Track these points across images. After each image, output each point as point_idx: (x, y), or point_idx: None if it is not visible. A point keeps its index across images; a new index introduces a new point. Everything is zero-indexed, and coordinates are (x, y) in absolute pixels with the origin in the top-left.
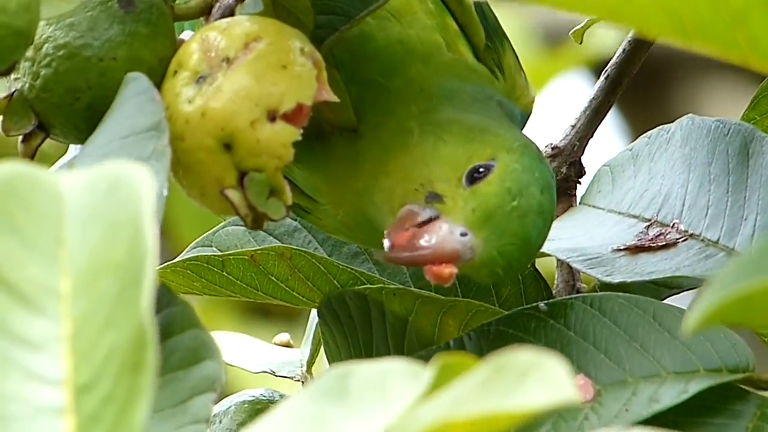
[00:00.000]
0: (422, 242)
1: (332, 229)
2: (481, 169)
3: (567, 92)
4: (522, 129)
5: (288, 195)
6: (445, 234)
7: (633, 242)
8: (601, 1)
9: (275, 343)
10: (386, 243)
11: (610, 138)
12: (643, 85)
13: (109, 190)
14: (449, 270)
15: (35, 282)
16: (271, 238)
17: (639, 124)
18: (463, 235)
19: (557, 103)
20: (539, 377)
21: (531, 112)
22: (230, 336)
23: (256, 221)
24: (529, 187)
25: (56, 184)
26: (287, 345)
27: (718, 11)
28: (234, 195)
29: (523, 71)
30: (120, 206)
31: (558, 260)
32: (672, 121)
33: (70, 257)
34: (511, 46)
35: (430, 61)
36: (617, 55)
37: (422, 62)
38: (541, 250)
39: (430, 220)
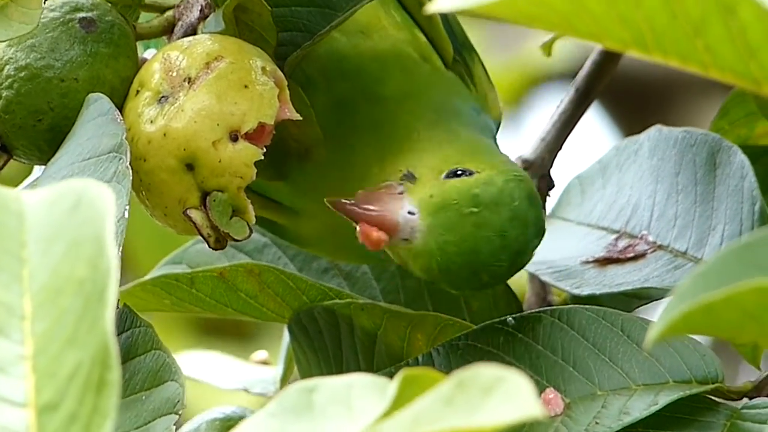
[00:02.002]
0: (371, 204)
1: (312, 243)
2: (461, 172)
3: (539, 103)
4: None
5: (251, 214)
6: (394, 205)
7: (602, 254)
8: (559, 15)
9: (253, 362)
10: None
11: (582, 149)
12: (641, 103)
13: (71, 208)
14: (377, 234)
15: None
16: (242, 254)
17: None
18: (411, 213)
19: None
20: (503, 393)
21: (500, 122)
22: (204, 354)
23: (218, 241)
24: (500, 204)
25: (18, 201)
26: (265, 363)
27: (676, 22)
28: (197, 215)
29: (492, 84)
30: (82, 224)
31: (529, 273)
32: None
33: (31, 276)
34: (480, 59)
35: (410, 73)
36: (586, 67)
37: (402, 74)
38: None
39: (394, 193)
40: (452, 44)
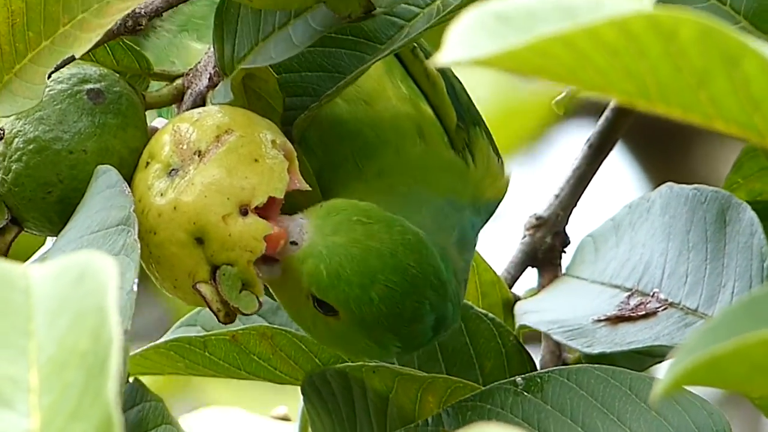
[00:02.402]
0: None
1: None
2: None
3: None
4: (487, 219)
5: (260, 288)
6: (291, 217)
7: (614, 312)
8: (564, 68)
9: (272, 417)
10: None
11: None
12: (663, 147)
13: (75, 280)
14: (277, 230)
15: (5, 376)
16: (255, 316)
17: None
18: (301, 219)
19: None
20: None
21: (502, 197)
22: (224, 410)
23: (228, 315)
24: (392, 229)
25: (25, 277)
26: (285, 418)
27: (680, 73)
28: (206, 289)
29: (497, 154)
30: (85, 295)
31: (543, 332)
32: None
33: (38, 349)
34: (486, 128)
35: (402, 152)
36: (600, 123)
37: (394, 152)
38: (523, 323)
39: None
40: (456, 112)
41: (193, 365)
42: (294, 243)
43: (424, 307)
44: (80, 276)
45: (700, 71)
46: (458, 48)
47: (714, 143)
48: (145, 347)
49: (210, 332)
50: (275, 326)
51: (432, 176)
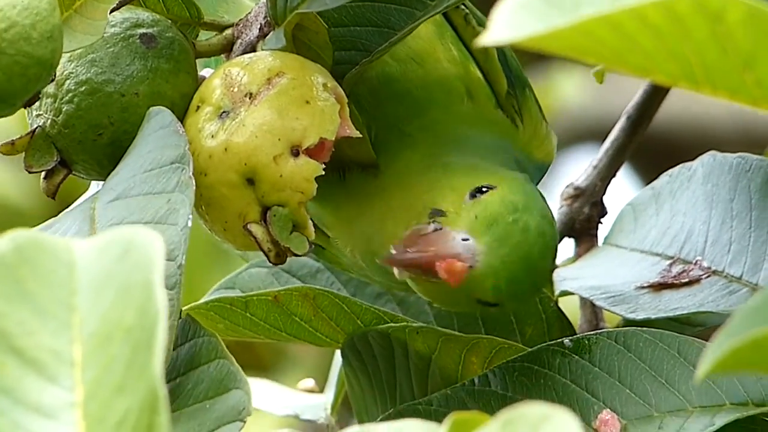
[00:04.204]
0: (422, 247)
1: (345, 265)
2: (483, 188)
3: None
4: (539, 180)
5: (311, 230)
6: (446, 238)
7: (656, 279)
8: (609, 49)
9: (300, 389)
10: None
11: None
12: (669, 163)
13: (120, 255)
14: (460, 264)
15: (48, 349)
16: (295, 279)
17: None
18: (464, 240)
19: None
20: (550, 430)
21: (551, 161)
22: (254, 381)
23: (279, 256)
24: (529, 207)
25: (69, 251)
26: (312, 391)
27: (726, 56)
28: (257, 230)
29: (545, 120)
30: (131, 271)
31: (581, 299)
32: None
33: (81, 323)
34: (534, 94)
35: (450, 110)
36: (638, 95)
37: (442, 110)
38: (564, 288)
39: (434, 232)
40: (506, 78)
41: (233, 326)
42: (470, 267)
43: (555, 257)
44: (125, 250)
45: (747, 54)
46: (504, 28)
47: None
48: (184, 308)
49: (251, 293)
50: (317, 287)
51: (481, 132)
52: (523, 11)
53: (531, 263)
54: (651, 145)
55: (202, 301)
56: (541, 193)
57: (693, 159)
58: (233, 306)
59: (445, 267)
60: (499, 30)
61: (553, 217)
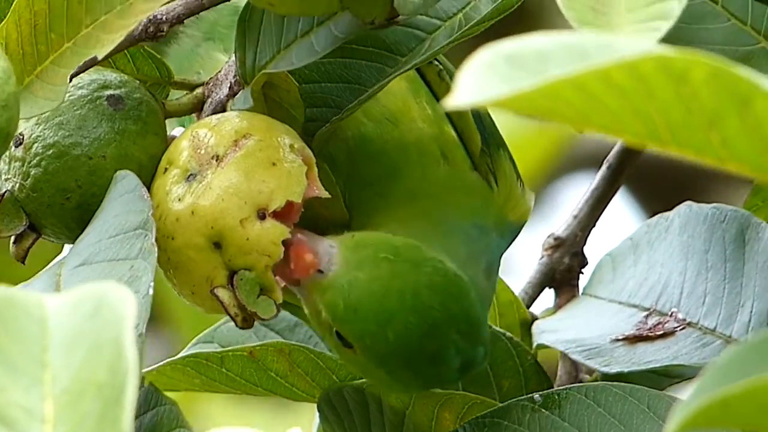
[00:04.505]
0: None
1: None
2: None
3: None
4: (510, 243)
5: (278, 293)
6: (316, 238)
7: (632, 332)
8: (575, 110)
9: None
10: None
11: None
12: (670, 186)
13: (92, 312)
14: (311, 258)
15: (19, 406)
16: (273, 333)
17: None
18: (331, 246)
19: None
20: None
21: (526, 220)
22: (238, 430)
23: (246, 320)
24: (420, 270)
25: (41, 306)
26: None
27: (691, 115)
28: (224, 294)
29: (520, 180)
30: (102, 327)
31: (560, 352)
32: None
33: (53, 380)
34: (509, 153)
35: (425, 172)
36: (618, 143)
37: (417, 172)
38: (541, 342)
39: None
40: (481, 135)
41: (209, 381)
42: (321, 272)
43: (448, 350)
44: (97, 307)
45: (711, 113)
46: (469, 90)
47: (721, 180)
48: (161, 363)
49: (227, 348)
50: (293, 342)
51: (458, 199)
52: (487, 74)
53: (381, 309)
54: (649, 170)
55: (178, 356)
56: (466, 297)
57: (692, 185)
58: (209, 361)
59: (295, 253)
60: (464, 93)
61: (464, 308)
